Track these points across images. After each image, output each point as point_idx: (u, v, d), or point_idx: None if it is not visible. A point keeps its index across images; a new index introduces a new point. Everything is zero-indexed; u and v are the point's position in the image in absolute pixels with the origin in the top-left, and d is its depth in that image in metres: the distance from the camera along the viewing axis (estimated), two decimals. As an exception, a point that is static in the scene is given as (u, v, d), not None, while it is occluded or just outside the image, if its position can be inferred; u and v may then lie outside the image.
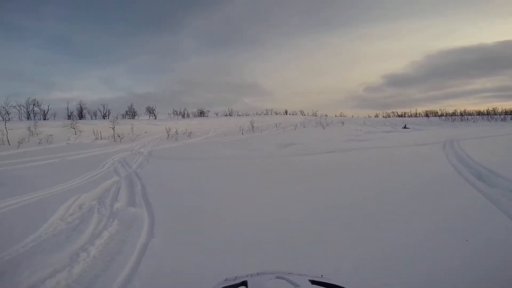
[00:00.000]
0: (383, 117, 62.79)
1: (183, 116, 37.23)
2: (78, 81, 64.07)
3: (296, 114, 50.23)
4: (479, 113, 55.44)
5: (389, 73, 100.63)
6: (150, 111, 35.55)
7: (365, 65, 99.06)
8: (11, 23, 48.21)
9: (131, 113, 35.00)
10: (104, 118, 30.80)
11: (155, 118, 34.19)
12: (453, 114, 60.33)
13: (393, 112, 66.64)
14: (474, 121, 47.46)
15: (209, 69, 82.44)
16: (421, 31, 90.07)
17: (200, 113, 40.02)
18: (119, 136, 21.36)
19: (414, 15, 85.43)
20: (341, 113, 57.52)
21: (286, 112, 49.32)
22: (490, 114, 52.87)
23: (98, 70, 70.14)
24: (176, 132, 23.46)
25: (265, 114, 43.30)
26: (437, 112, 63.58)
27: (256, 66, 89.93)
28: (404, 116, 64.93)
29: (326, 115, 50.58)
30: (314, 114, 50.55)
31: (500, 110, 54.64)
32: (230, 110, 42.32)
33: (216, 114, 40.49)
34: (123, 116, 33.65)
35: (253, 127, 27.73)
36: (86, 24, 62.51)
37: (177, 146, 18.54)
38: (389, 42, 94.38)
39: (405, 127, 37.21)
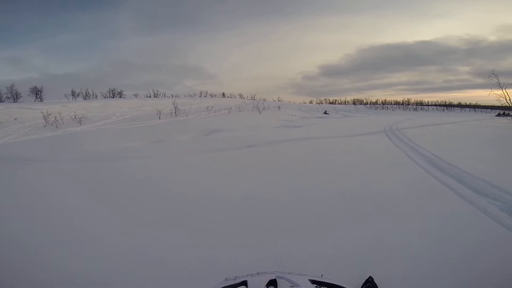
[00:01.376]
0: (317, 103, 65.49)
1: (84, 98, 30.59)
2: None
3: (234, 97, 47.67)
4: (396, 103, 64.15)
5: (324, 63, 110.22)
6: (36, 93, 28.14)
7: (304, 55, 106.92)
8: None
9: (14, 96, 27.16)
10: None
11: (41, 101, 27.10)
12: (376, 103, 66.88)
13: (325, 99, 70.10)
14: (392, 110, 53.45)
15: (149, 50, 75.43)
16: (356, 27, 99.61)
17: (113, 94, 33.77)
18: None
19: (352, 11, 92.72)
20: (278, 97, 57.34)
21: (223, 94, 46.15)
22: (404, 104, 60.26)
23: (4, 51, 63.72)
24: (60, 117, 18.06)
25: (198, 96, 39.27)
26: (363, 101, 69.66)
27: (202, 49, 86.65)
28: (335, 103, 69.10)
29: (265, 99, 49.39)
30: (253, 98, 48.82)
31: (412, 101, 63.94)
32: (156, 91, 36.92)
33: (135, 95, 34.88)
34: None
35: (176, 111, 24.02)
36: None
37: (49, 137, 13.82)
38: (327, 34, 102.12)
39: (325, 113, 38.81)
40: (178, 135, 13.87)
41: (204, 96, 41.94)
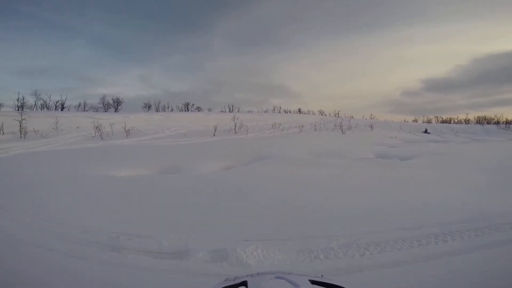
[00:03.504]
0: (424, 122, 51.31)
1: (157, 110, 30.12)
2: (118, 77, 69.10)
3: (313, 113, 40.86)
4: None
5: (429, 77, 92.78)
6: (116, 103, 28.99)
7: (402, 69, 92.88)
8: (59, 23, 55.15)
9: (105, 106, 28.77)
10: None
11: (116, 112, 27.44)
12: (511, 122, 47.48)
13: (436, 117, 54.71)
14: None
15: (238, 69, 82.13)
16: (465, 34, 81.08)
17: (186, 108, 32.72)
18: (26, 132, 14.64)
19: (457, 18, 77.14)
20: (371, 115, 47.01)
21: (299, 110, 40.11)
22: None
23: (136, 68, 76.20)
24: (110, 129, 16.21)
25: (270, 111, 34.51)
26: (490, 119, 50.78)
27: (285, 68, 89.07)
28: (450, 122, 52.97)
29: (352, 117, 40.61)
30: (336, 115, 40.73)
31: None
32: (231, 106, 34.33)
33: (198, 109, 32.91)
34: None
35: (235, 127, 19.63)
36: (125, 24, 68.16)
37: (81, 148, 11.29)
38: (430, 45, 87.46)
39: (425, 132, 32.59)
40: (210, 160, 9.13)
41: (278, 111, 36.95)
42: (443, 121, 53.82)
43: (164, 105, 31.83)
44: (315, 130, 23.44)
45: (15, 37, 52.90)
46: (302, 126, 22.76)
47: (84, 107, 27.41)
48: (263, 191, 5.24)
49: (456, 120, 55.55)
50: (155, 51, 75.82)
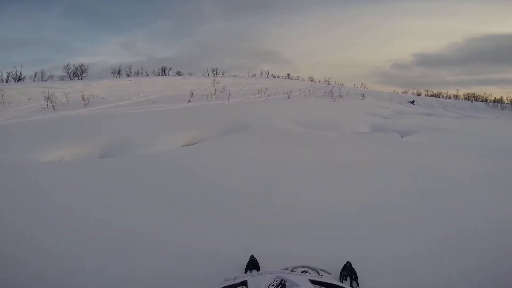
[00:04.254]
0: (414, 94, 50.29)
1: (128, 75, 26.63)
2: (100, 46, 64.41)
3: (303, 79, 38.34)
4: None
5: (421, 51, 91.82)
6: (80, 71, 25.42)
7: (396, 42, 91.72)
8: None
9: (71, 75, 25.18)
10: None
11: (80, 80, 24.01)
12: (499, 101, 47.52)
13: (426, 90, 53.88)
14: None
15: (229, 34, 79.40)
16: (464, 14, 79.28)
17: (163, 72, 29.26)
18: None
19: None
20: (362, 84, 45.07)
21: (288, 75, 37.44)
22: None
23: (118, 36, 73.74)
24: (66, 98, 14.27)
25: (252, 76, 31.74)
26: (479, 97, 50.75)
27: (278, 34, 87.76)
28: (439, 97, 52.42)
29: (342, 85, 38.47)
30: (327, 82, 38.35)
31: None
32: (215, 71, 31.11)
33: (178, 73, 29.65)
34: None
35: (215, 91, 17.51)
36: None
37: (24, 122, 9.16)
38: (427, 21, 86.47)
39: (412, 102, 32.29)
40: (174, 132, 7.33)
41: (266, 76, 34.25)
42: (432, 95, 53.18)
43: (138, 70, 28.24)
44: (304, 96, 21.61)
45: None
46: (290, 92, 20.75)
47: (42, 77, 23.52)
48: (222, 188, 3.56)
49: (445, 95, 55.09)
50: (138, 16, 72.27)
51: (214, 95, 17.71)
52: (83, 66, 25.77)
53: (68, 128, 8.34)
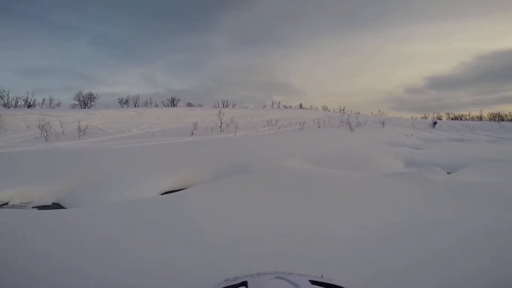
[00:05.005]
0: (434, 118, 47.78)
1: (135, 105, 26.21)
2: (121, 77, 67.60)
3: (316, 109, 36.86)
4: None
5: (432, 74, 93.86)
6: (88, 99, 25.45)
7: (405, 67, 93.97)
8: (61, 22, 54.40)
9: (82, 103, 25.36)
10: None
11: (86, 108, 23.81)
12: None
13: (447, 113, 51.48)
14: None
15: (240, 67, 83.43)
16: (469, 32, 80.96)
17: (172, 103, 28.93)
18: None
19: (459, 16, 77.25)
20: (379, 111, 43.08)
21: (301, 106, 36.10)
22: None
23: (138, 67, 76.07)
24: (61, 128, 13.38)
25: (263, 107, 30.55)
26: (504, 116, 48.25)
27: (287, 65, 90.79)
28: (461, 119, 49.66)
29: (358, 113, 36.45)
30: (341, 111, 36.43)
31: None
32: (226, 102, 30.63)
33: (189, 105, 29.12)
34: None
35: (221, 124, 16.31)
36: (127, 23, 66.69)
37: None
38: (432, 43, 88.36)
39: (434, 124, 33.15)
40: (159, 172, 5.80)
41: (277, 106, 33.09)
42: (454, 118, 50.60)
43: (146, 101, 28.12)
44: (319, 127, 19.97)
45: (15, 36, 52.40)
46: (304, 123, 19.25)
47: (50, 104, 23.53)
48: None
49: (467, 117, 52.59)
50: (157, 49, 76.40)
51: (220, 128, 16.46)
52: (92, 95, 25.76)
53: (37, 163, 7.03)
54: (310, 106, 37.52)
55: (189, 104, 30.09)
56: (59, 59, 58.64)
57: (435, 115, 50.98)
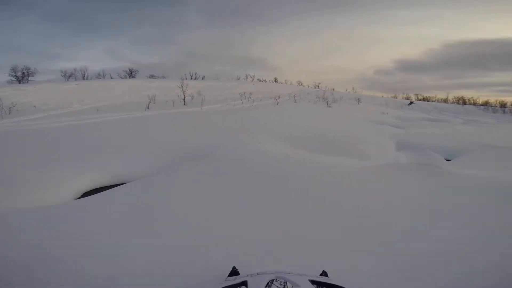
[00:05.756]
0: (403, 99, 49.19)
1: (83, 78, 22.53)
2: (83, 52, 62.95)
3: (290, 83, 35.09)
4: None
5: (401, 58, 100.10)
6: (25, 73, 21.20)
7: (377, 49, 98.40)
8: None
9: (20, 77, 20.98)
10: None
11: (25, 83, 19.84)
12: (486, 104, 48.15)
13: (416, 94, 53.37)
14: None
15: (215, 42, 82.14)
16: (440, 21, 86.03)
17: (130, 75, 25.33)
18: None
19: (432, 5, 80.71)
20: (353, 88, 43.01)
21: (275, 80, 34.09)
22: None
23: (101, 42, 73.43)
24: None
25: (237, 80, 28.19)
26: (467, 100, 51.57)
27: (264, 42, 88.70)
28: (428, 101, 51.64)
29: (333, 89, 35.43)
30: (316, 86, 35.24)
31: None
32: (194, 74, 27.49)
33: (152, 77, 25.86)
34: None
35: (184, 97, 14.07)
36: None
37: None
38: (404, 28, 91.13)
39: (410, 104, 33.40)
40: (85, 164, 3.78)
41: (251, 80, 30.79)
42: (423, 99, 52.63)
43: (99, 74, 24.23)
44: (295, 101, 18.41)
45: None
46: (279, 97, 17.49)
47: None
48: None
49: (433, 99, 55.39)
50: (123, 23, 72.25)
51: (183, 101, 14.14)
52: (29, 69, 21.47)
53: None
54: (285, 80, 35.75)
55: (152, 77, 26.61)
56: (5, 37, 52.33)
57: (405, 95, 52.44)
